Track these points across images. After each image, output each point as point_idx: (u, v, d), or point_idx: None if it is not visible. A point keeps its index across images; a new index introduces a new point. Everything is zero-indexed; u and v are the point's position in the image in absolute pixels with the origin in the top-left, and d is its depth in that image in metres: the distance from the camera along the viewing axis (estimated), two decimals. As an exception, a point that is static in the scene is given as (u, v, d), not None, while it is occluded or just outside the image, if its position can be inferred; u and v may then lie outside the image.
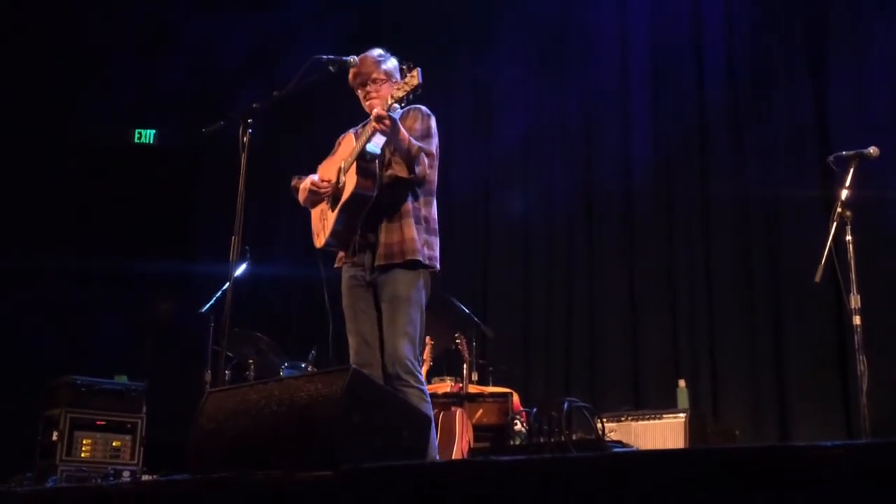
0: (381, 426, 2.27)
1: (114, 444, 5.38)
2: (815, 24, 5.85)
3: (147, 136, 7.89)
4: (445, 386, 5.13)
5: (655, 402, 5.44)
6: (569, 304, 6.49)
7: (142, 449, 5.44)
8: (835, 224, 3.70)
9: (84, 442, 5.29)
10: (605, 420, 4.57)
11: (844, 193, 3.73)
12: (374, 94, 3.39)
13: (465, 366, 5.12)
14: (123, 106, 7.83)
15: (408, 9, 7.46)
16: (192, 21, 7.76)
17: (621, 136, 6.52)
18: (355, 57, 3.40)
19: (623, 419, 4.88)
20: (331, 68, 3.35)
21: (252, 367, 5.56)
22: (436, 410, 4.61)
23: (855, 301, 3.63)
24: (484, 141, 7.15)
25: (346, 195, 3.25)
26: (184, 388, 5.80)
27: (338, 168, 3.38)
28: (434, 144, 3.34)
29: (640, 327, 6.13)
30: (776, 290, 5.65)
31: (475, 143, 7.14)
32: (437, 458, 3.39)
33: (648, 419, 4.82)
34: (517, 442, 4.66)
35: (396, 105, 3.15)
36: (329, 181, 3.39)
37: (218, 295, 5.36)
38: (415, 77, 3.06)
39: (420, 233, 3.28)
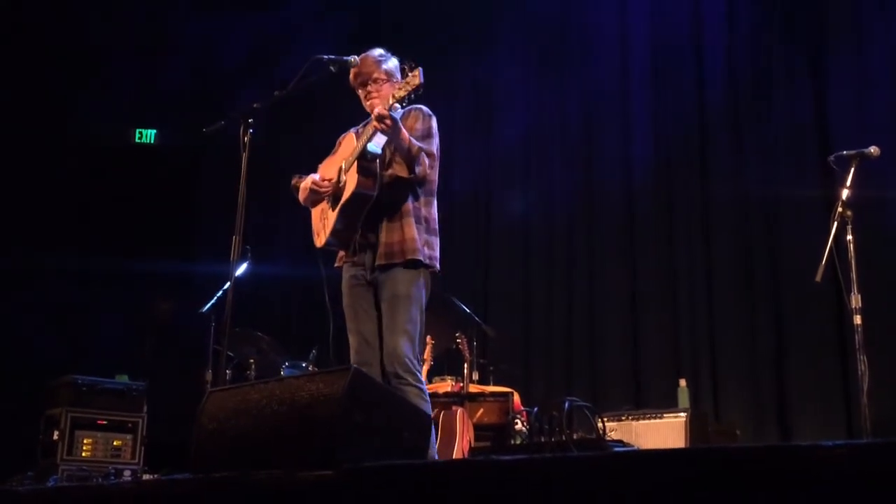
0: (382, 426, 2.27)
1: (115, 443, 5.38)
2: (815, 23, 5.85)
3: (148, 135, 7.90)
4: (446, 385, 5.13)
5: (656, 402, 5.44)
6: (569, 303, 6.49)
7: (143, 448, 5.45)
8: (835, 224, 3.70)
9: (85, 441, 5.29)
10: (605, 419, 4.57)
11: (845, 193, 3.73)
12: (374, 94, 3.39)
13: (465, 365, 5.12)
14: (124, 106, 7.83)
15: (408, 9, 7.46)
16: (192, 21, 7.76)
17: (621, 136, 6.52)
18: (356, 57, 3.40)
19: (624, 418, 4.88)
20: (331, 68, 3.35)
21: (253, 366, 5.56)
22: (436, 410, 4.62)
23: (856, 301, 3.63)
24: (484, 141, 7.15)
25: (346, 194, 3.26)
26: (185, 388, 5.80)
27: (338, 167, 3.38)
28: (435, 145, 3.35)
29: (640, 327, 6.14)
30: (777, 289, 5.65)
31: (476, 143, 7.15)
32: (436, 457, 3.39)
33: (649, 419, 4.82)
34: (518, 441, 4.66)
35: (397, 105, 3.15)
36: (330, 180, 3.39)
37: (219, 294, 5.36)
38: (416, 76, 3.06)
39: (420, 233, 3.29)
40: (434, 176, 3.38)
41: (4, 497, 3.12)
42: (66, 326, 7.06)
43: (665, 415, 4.81)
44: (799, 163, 5.72)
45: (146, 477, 5.17)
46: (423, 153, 3.24)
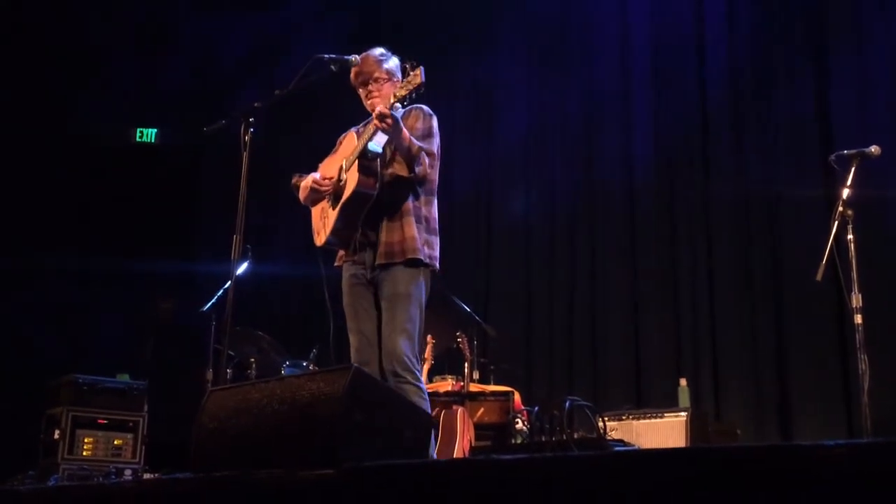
0: (382, 425, 2.27)
1: (115, 442, 5.39)
2: (815, 23, 5.84)
3: (149, 135, 7.90)
4: (447, 385, 5.13)
5: (657, 401, 5.44)
6: (570, 302, 6.49)
7: (143, 447, 5.45)
8: (836, 223, 3.70)
9: (86, 440, 5.29)
10: (606, 419, 4.57)
11: (846, 192, 3.73)
12: (375, 94, 3.39)
13: (466, 364, 5.12)
14: (124, 105, 7.84)
15: (408, 9, 7.46)
16: (192, 20, 7.76)
17: (622, 136, 6.52)
18: (357, 56, 3.40)
19: (624, 418, 4.88)
20: (332, 67, 3.35)
21: (254, 365, 5.56)
22: (437, 409, 4.62)
23: (856, 300, 3.63)
24: (485, 140, 7.15)
25: (347, 193, 3.26)
26: (185, 387, 5.81)
27: (339, 166, 3.38)
28: (435, 144, 3.35)
29: (641, 326, 6.13)
30: (778, 289, 5.64)
31: (476, 142, 7.15)
32: (435, 457, 3.39)
33: (650, 418, 4.82)
34: (519, 441, 4.66)
35: (398, 104, 3.15)
36: (330, 179, 3.39)
37: (219, 294, 5.36)
38: (418, 76, 3.06)
39: (420, 232, 3.29)
40: (434, 175, 3.39)
41: (6, 496, 3.12)
42: (67, 326, 7.07)
43: (666, 414, 4.81)
44: (800, 162, 5.71)
45: (147, 476, 5.18)
46: (423, 153, 3.24)
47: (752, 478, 1.38)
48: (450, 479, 1.73)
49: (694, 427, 4.67)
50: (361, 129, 3.46)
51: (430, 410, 3.27)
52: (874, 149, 3.81)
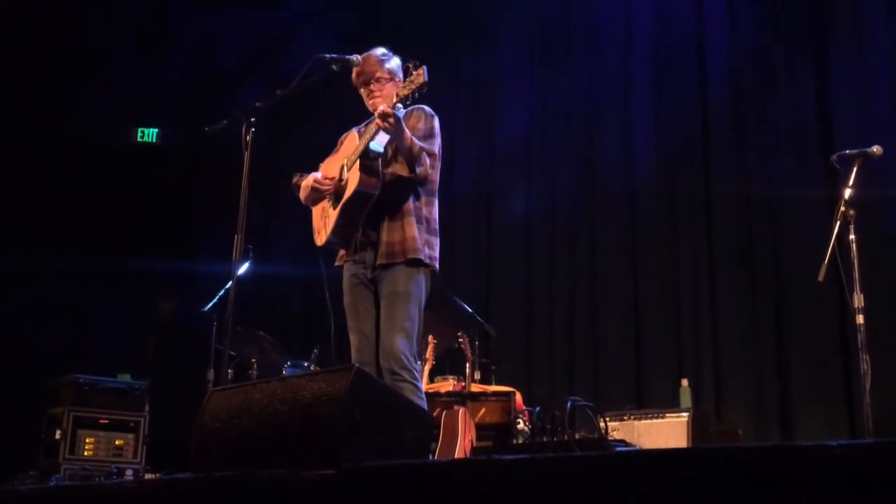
0: (383, 425, 2.27)
1: (117, 442, 5.39)
2: (816, 22, 5.84)
3: (150, 135, 7.90)
4: (448, 385, 5.12)
5: (658, 402, 5.44)
6: (571, 302, 6.49)
7: (144, 447, 5.45)
8: (838, 223, 3.69)
9: (87, 440, 5.29)
10: (607, 419, 4.57)
11: (848, 192, 3.72)
12: (377, 93, 3.39)
13: (467, 364, 5.12)
14: (124, 106, 7.84)
15: (408, 8, 7.46)
16: (192, 20, 7.76)
17: (623, 135, 6.51)
18: (358, 56, 3.40)
19: (626, 418, 4.88)
20: (334, 67, 3.35)
21: (255, 365, 5.56)
22: (438, 409, 4.62)
23: (858, 300, 3.63)
24: (486, 140, 7.15)
25: (348, 193, 3.26)
26: (187, 387, 5.80)
27: (340, 166, 3.39)
28: (437, 145, 3.35)
29: (642, 326, 6.13)
30: (779, 289, 5.64)
31: (477, 142, 7.14)
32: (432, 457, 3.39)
33: (651, 418, 4.82)
34: (520, 441, 4.66)
35: (399, 104, 3.15)
36: (331, 179, 3.39)
37: (221, 294, 5.36)
38: (420, 75, 3.06)
39: (421, 232, 3.29)
40: (435, 176, 3.39)
41: (7, 496, 3.12)
42: (69, 326, 7.07)
43: (667, 414, 4.81)
44: (801, 162, 5.71)
45: (148, 476, 5.18)
46: (424, 153, 3.24)
47: (754, 478, 1.38)
48: (451, 479, 1.73)
49: (695, 427, 4.67)
50: (363, 129, 3.46)
51: (426, 409, 3.27)
52: (876, 149, 3.80)
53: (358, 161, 3.23)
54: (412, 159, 3.21)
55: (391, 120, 3.07)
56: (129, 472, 5.26)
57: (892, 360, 4.67)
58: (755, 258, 5.80)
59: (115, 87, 7.71)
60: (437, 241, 3.38)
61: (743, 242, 5.87)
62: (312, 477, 1.92)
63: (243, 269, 5.31)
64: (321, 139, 3.93)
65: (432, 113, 3.41)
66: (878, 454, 1.31)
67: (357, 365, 2.48)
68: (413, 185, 3.30)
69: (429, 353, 5.10)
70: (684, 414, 4.76)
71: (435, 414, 4.55)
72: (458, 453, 4.50)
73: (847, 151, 3.86)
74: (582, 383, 6.15)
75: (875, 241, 4.80)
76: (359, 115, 3.58)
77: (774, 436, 5.34)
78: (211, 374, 5.25)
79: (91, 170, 7.64)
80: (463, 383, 5.05)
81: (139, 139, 7.87)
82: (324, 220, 3.44)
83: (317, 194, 3.43)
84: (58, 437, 5.25)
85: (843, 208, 3.69)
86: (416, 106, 3.36)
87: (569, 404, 4.23)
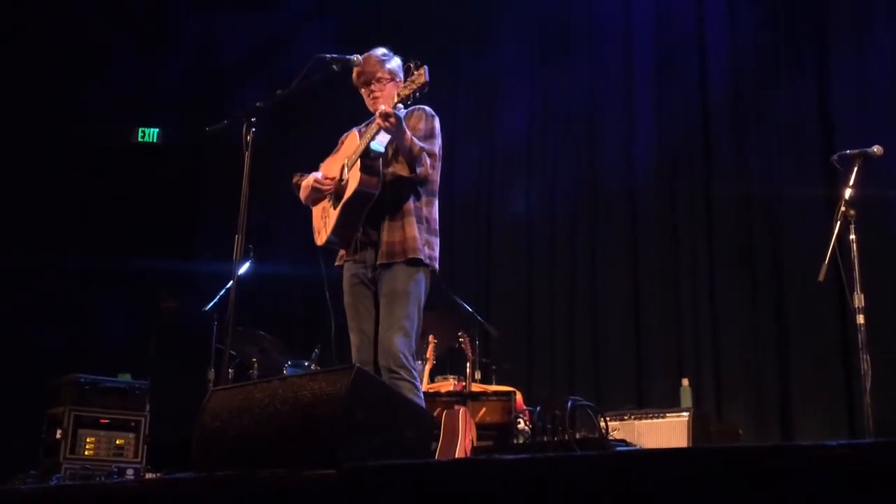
0: (384, 425, 2.27)
1: (117, 442, 5.39)
2: (817, 22, 5.84)
3: (151, 134, 7.90)
4: (448, 385, 5.13)
5: (659, 401, 5.44)
6: (572, 302, 6.49)
7: (145, 447, 5.45)
8: (838, 223, 3.69)
9: (88, 440, 5.29)
10: (608, 419, 4.57)
11: (848, 192, 3.72)
12: (378, 94, 3.40)
13: (468, 364, 5.12)
14: (125, 105, 7.84)
15: (408, 8, 7.46)
16: (193, 20, 7.76)
17: (623, 135, 6.52)
18: (359, 56, 3.41)
19: (626, 418, 4.88)
20: (334, 67, 3.35)
21: (255, 365, 5.57)
22: (439, 409, 4.63)
23: (858, 300, 3.63)
24: (486, 140, 7.15)
25: (349, 192, 3.26)
26: (187, 387, 5.80)
27: (341, 165, 3.39)
28: (437, 145, 3.35)
29: (643, 326, 6.13)
30: (779, 288, 5.64)
31: (477, 142, 7.15)
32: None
33: (652, 418, 4.82)
34: (520, 441, 4.66)
35: (400, 105, 3.15)
36: (332, 179, 3.40)
37: (221, 293, 5.37)
38: (422, 75, 3.06)
39: (421, 232, 3.29)
40: (436, 176, 3.39)
41: (8, 496, 3.12)
42: (69, 326, 7.07)
43: (667, 414, 4.81)
44: (801, 162, 5.71)
45: (149, 476, 5.18)
46: (424, 153, 3.24)
47: (754, 478, 1.38)
48: (451, 479, 1.73)
49: (696, 427, 4.67)
50: (364, 129, 3.46)
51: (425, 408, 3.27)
52: (876, 149, 3.80)
53: (359, 161, 3.24)
54: (412, 159, 3.21)
55: (392, 120, 3.07)
56: (129, 472, 5.26)
57: (892, 360, 4.67)
58: (755, 258, 5.81)
59: (115, 87, 7.71)
60: (437, 242, 3.39)
61: (743, 242, 5.88)
62: (313, 476, 1.92)
63: (244, 268, 5.31)
64: (322, 139, 3.93)
65: (433, 113, 3.41)
66: (879, 454, 1.31)
67: (358, 365, 2.48)
68: (413, 185, 3.30)
69: (429, 353, 5.10)
70: (685, 414, 4.76)
71: (435, 414, 4.55)
72: (459, 453, 4.51)
73: (847, 151, 3.85)
74: (582, 383, 6.16)
75: (875, 241, 4.81)
76: (359, 115, 3.58)
77: (775, 436, 5.34)
78: (211, 374, 5.26)
79: (91, 170, 7.64)
80: (463, 383, 5.05)
81: (140, 139, 7.87)
82: (324, 219, 3.44)
83: (317, 194, 3.43)
84: (58, 436, 5.25)
85: (843, 208, 3.69)
86: (417, 106, 3.36)
87: (569, 404, 4.23)
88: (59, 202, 7.46)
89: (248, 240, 3.35)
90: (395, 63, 3.45)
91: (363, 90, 3.47)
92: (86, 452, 5.27)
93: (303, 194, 3.50)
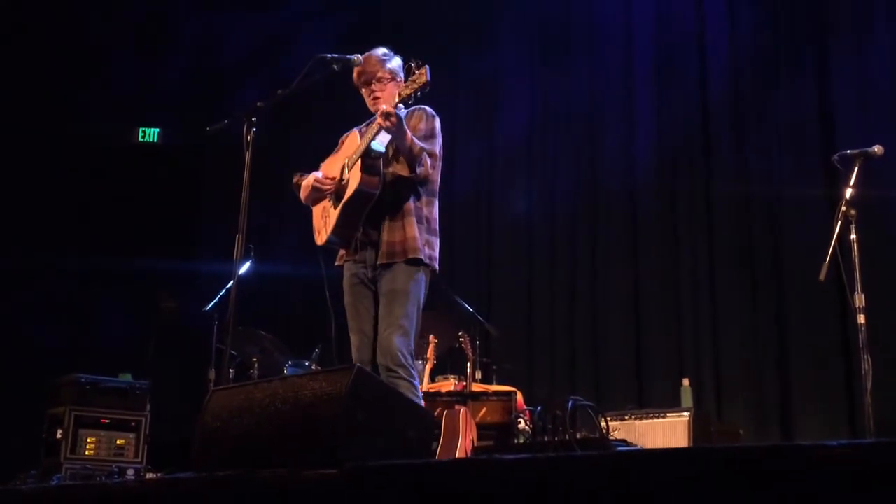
0: (384, 424, 2.27)
1: (118, 442, 5.39)
2: (817, 21, 5.84)
3: (151, 134, 7.90)
4: (449, 384, 5.13)
5: (659, 401, 5.44)
6: (572, 302, 6.49)
7: (146, 447, 5.45)
8: (839, 222, 3.69)
9: (88, 440, 5.29)
10: (608, 419, 4.57)
11: (849, 192, 3.72)
12: (378, 93, 3.40)
13: (468, 364, 5.12)
14: (126, 105, 7.84)
15: (408, 8, 7.46)
16: (193, 20, 7.76)
17: (624, 135, 6.52)
18: (359, 56, 3.41)
19: (627, 418, 4.88)
20: (335, 67, 3.35)
21: (256, 365, 5.57)
22: (439, 409, 4.62)
23: (859, 300, 3.62)
24: (486, 140, 7.15)
25: (349, 192, 3.26)
26: (188, 387, 5.81)
27: (341, 165, 3.39)
28: (437, 145, 3.35)
29: (643, 326, 6.13)
30: (780, 288, 5.64)
31: (477, 142, 7.15)
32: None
33: (652, 418, 4.82)
34: (521, 441, 4.66)
35: (401, 105, 3.15)
36: (332, 178, 3.40)
37: (222, 293, 5.37)
38: (423, 74, 3.06)
39: (422, 232, 3.29)
40: (436, 176, 3.39)
41: (8, 496, 3.13)
42: (70, 325, 7.07)
43: (668, 414, 4.81)
44: (801, 161, 5.71)
45: (149, 476, 5.18)
46: (425, 153, 3.24)
47: (755, 478, 1.38)
48: (452, 479, 1.73)
49: (696, 427, 4.67)
50: (364, 129, 3.47)
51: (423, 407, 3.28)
52: (877, 148, 3.80)
53: (359, 161, 3.24)
54: (413, 159, 3.21)
55: (393, 119, 3.07)
56: (130, 472, 5.26)
57: (893, 359, 4.67)
58: (756, 258, 5.80)
59: (115, 87, 7.71)
60: (437, 242, 3.39)
61: (743, 242, 5.87)
62: (314, 476, 1.92)
63: (244, 268, 5.31)
64: (322, 139, 3.93)
65: (433, 113, 3.41)
66: (879, 454, 1.31)
67: (358, 365, 2.48)
68: (414, 185, 3.30)
69: (430, 353, 5.10)
70: (685, 414, 4.76)
71: (436, 413, 4.55)
72: (460, 453, 4.50)
73: (848, 151, 3.85)
74: (583, 383, 6.16)
75: (876, 241, 4.80)
76: (360, 115, 3.58)
77: (775, 435, 5.34)
78: (212, 374, 5.26)
79: (92, 170, 7.64)
80: (464, 383, 5.05)
81: (140, 139, 7.87)
82: (324, 219, 3.44)
83: (317, 194, 3.44)
84: (59, 436, 5.25)
85: (844, 208, 3.69)
86: (418, 106, 3.37)
87: (570, 404, 4.23)
88: (59, 202, 7.46)
89: (248, 240, 3.35)
90: (396, 63, 3.45)
91: (364, 90, 3.47)
92: (86, 452, 5.27)
93: (303, 194, 3.50)
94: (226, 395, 2.55)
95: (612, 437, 4.45)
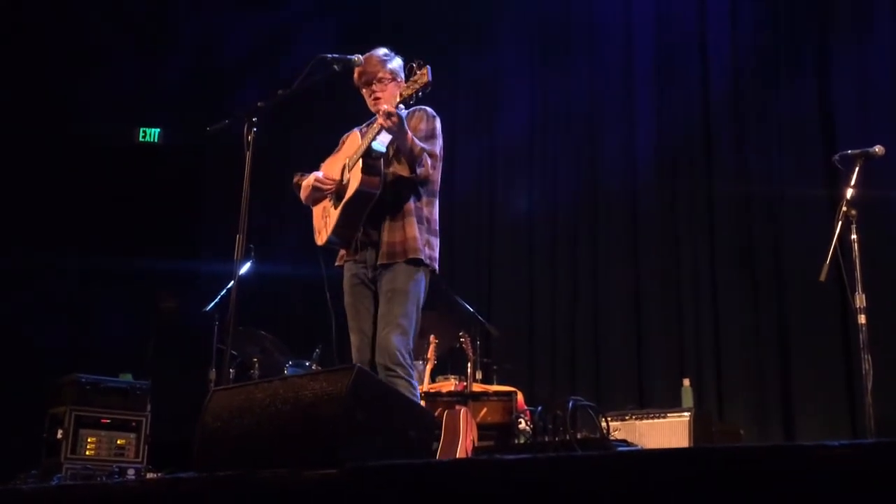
0: (385, 425, 2.27)
1: (118, 442, 5.39)
2: (818, 21, 5.84)
3: (152, 134, 7.90)
4: (450, 384, 5.12)
5: (660, 401, 5.44)
6: (573, 302, 6.49)
7: (146, 447, 5.45)
8: (840, 223, 3.69)
9: (89, 440, 5.29)
10: (609, 419, 4.57)
11: (850, 192, 3.72)
12: (379, 94, 3.40)
13: (469, 364, 5.12)
14: (126, 105, 7.84)
15: (408, 8, 7.47)
16: (193, 20, 7.77)
17: (624, 135, 6.52)
18: (360, 56, 3.41)
19: (627, 418, 4.88)
20: (335, 67, 3.35)
21: (256, 365, 5.57)
22: (440, 409, 4.62)
23: (860, 300, 3.62)
24: (486, 140, 7.16)
25: (350, 192, 3.26)
26: (188, 387, 5.80)
27: (342, 165, 3.39)
28: (438, 146, 3.35)
29: (644, 326, 6.13)
30: (781, 288, 5.64)
31: (478, 142, 7.15)
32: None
33: (653, 418, 4.82)
34: (521, 441, 4.66)
35: (402, 105, 3.15)
36: (333, 179, 3.40)
37: (222, 293, 5.37)
38: (425, 75, 3.06)
39: (422, 232, 3.30)
40: (436, 177, 3.39)
41: (9, 495, 3.13)
42: (70, 326, 7.07)
43: (669, 414, 4.81)
44: (802, 161, 5.71)
45: (150, 476, 5.18)
46: (425, 154, 3.24)
47: (755, 478, 1.38)
48: (452, 479, 1.73)
49: (697, 427, 4.67)
50: (365, 129, 3.47)
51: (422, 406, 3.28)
52: (878, 149, 3.80)
53: (360, 161, 3.24)
54: (413, 160, 3.22)
55: (394, 119, 3.07)
56: (130, 472, 5.26)
57: (893, 360, 4.67)
58: (756, 258, 5.80)
59: (115, 87, 7.71)
60: (437, 242, 3.39)
61: (744, 242, 5.87)
62: (314, 477, 1.92)
63: (245, 268, 5.31)
64: (322, 139, 3.93)
65: (434, 114, 3.42)
66: (880, 454, 1.31)
67: (359, 365, 2.48)
68: (414, 186, 3.30)
69: (430, 353, 5.10)
70: (686, 414, 4.76)
71: (437, 414, 4.55)
72: (460, 453, 4.50)
73: (849, 151, 3.85)
74: (583, 383, 6.16)
75: (877, 241, 4.80)
76: (360, 115, 3.58)
77: (776, 436, 5.34)
78: (213, 374, 5.26)
79: (92, 169, 7.64)
80: (464, 383, 5.05)
81: (141, 139, 7.87)
82: (325, 219, 3.44)
83: (318, 194, 3.44)
84: (60, 436, 5.25)
85: (844, 208, 3.69)
86: (419, 107, 3.37)
87: (570, 404, 4.23)
88: (59, 202, 7.47)
89: (248, 240, 3.35)
90: (397, 63, 3.45)
91: (364, 90, 3.47)
92: (87, 452, 5.27)
93: (303, 194, 3.50)
94: (226, 395, 2.55)
95: (612, 438, 4.45)
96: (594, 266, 6.46)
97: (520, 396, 4.97)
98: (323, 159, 3.61)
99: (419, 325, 3.30)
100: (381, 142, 3.21)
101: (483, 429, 4.80)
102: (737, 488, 1.40)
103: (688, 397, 5.14)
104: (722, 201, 6.00)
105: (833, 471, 1.33)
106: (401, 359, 3.14)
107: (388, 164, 3.30)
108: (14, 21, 7.43)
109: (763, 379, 5.58)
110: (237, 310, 3.29)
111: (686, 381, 5.27)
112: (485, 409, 4.86)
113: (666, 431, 4.73)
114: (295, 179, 3.57)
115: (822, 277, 3.62)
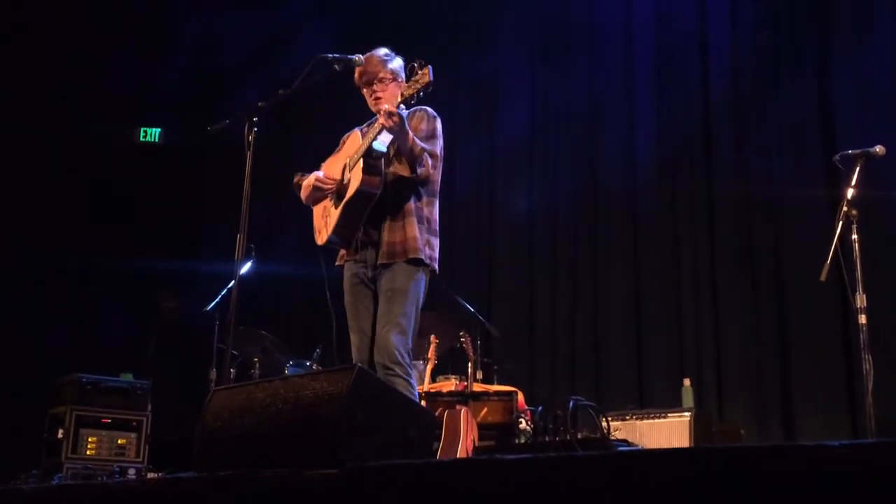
0: (385, 424, 2.28)
1: (119, 441, 5.39)
2: (818, 21, 5.84)
3: (152, 134, 7.90)
4: (450, 384, 5.13)
5: (660, 401, 5.44)
6: (573, 302, 6.49)
7: (147, 447, 5.45)
8: (840, 223, 3.69)
9: (89, 440, 5.30)
10: (609, 419, 4.57)
11: (850, 192, 3.72)
12: (380, 94, 3.40)
13: (469, 364, 5.12)
14: (126, 105, 7.84)
15: (408, 8, 7.47)
16: (193, 20, 7.77)
17: (624, 135, 6.52)
18: (360, 56, 3.41)
19: (628, 418, 4.88)
20: (336, 67, 3.35)
21: (257, 365, 5.57)
22: (440, 409, 4.63)
23: (860, 300, 3.62)
24: (487, 140, 7.16)
25: (350, 192, 3.26)
26: (189, 387, 5.81)
27: (343, 165, 3.39)
28: (438, 146, 3.35)
29: (644, 326, 6.13)
30: (781, 288, 5.64)
31: (478, 142, 7.15)
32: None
33: (653, 418, 4.82)
34: (522, 441, 4.66)
35: (402, 105, 3.16)
36: (333, 178, 3.40)
37: (223, 293, 5.37)
38: (426, 74, 3.06)
39: (422, 232, 3.30)
40: (437, 177, 3.39)
41: (9, 495, 3.13)
42: (70, 325, 7.07)
43: (669, 414, 4.81)
44: (802, 161, 5.71)
45: (151, 475, 5.18)
46: (426, 154, 3.25)
47: (756, 478, 1.38)
48: (453, 479, 1.73)
49: (697, 427, 4.67)
50: (366, 129, 3.47)
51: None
52: (879, 149, 3.80)
53: (361, 160, 3.24)
54: (414, 160, 3.22)
55: (395, 118, 3.07)
56: (131, 472, 5.26)
57: (894, 360, 4.66)
58: (756, 258, 5.80)
59: (115, 87, 7.71)
60: (437, 242, 3.39)
61: (744, 242, 5.87)
62: (315, 476, 1.92)
63: (245, 268, 5.31)
64: (323, 139, 3.93)
65: (435, 114, 3.42)
66: (880, 454, 1.31)
67: (359, 364, 2.49)
68: (414, 186, 3.30)
69: (431, 353, 5.10)
70: (686, 414, 4.76)
71: (437, 413, 4.55)
72: (461, 453, 4.51)
73: (850, 151, 3.85)
74: (584, 383, 6.16)
75: (877, 241, 4.81)
76: (361, 115, 3.58)
77: (776, 436, 5.34)
78: (213, 374, 5.26)
79: (93, 169, 7.64)
80: (465, 383, 5.05)
81: (142, 139, 7.88)
82: (325, 219, 3.45)
83: (318, 193, 3.44)
84: (60, 436, 5.25)
85: (845, 208, 3.69)
86: (419, 107, 3.37)
87: (571, 404, 4.23)
88: (59, 202, 7.47)
89: (249, 239, 3.35)
90: (397, 63, 3.46)
91: (365, 90, 3.47)
92: (87, 452, 5.27)
93: (304, 194, 3.50)
94: (227, 395, 2.55)
95: (613, 438, 4.45)
96: (594, 266, 6.46)
97: (520, 396, 4.97)
98: (323, 159, 3.61)
99: (418, 325, 3.30)
100: (382, 142, 3.21)
101: (483, 429, 4.80)
102: (737, 488, 1.40)
103: (688, 397, 5.14)
104: (722, 201, 5.99)
105: (833, 471, 1.33)
106: (399, 358, 3.15)
107: (388, 163, 3.30)
108: (14, 21, 7.43)
109: (763, 379, 5.58)
110: (238, 309, 3.29)
111: (686, 381, 5.27)
112: (485, 409, 4.87)
113: (666, 431, 4.73)
114: (295, 179, 3.57)
115: (823, 277, 3.62)
